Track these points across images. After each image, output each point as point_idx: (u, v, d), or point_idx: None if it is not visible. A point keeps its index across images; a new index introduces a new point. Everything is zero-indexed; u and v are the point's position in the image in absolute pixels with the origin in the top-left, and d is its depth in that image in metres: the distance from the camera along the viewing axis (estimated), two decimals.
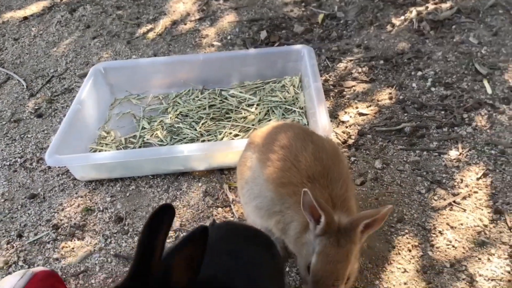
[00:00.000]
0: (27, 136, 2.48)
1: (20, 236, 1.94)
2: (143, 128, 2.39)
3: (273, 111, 2.41)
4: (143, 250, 0.90)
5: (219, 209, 1.98)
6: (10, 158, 2.34)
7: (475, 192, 1.93)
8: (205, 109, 2.45)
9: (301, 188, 1.31)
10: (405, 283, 1.63)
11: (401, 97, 2.44)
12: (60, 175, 2.21)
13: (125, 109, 2.56)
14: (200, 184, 2.09)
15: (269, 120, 2.33)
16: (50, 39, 3.27)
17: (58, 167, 2.25)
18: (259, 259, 1.33)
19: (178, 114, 2.45)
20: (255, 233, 1.50)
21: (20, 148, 2.40)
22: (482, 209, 1.86)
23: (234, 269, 1.22)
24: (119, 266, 1.78)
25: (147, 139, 2.31)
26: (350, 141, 2.24)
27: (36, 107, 2.67)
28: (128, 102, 2.62)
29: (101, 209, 2.02)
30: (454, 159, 2.09)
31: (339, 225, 1.30)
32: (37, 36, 3.33)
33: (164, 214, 0.93)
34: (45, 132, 2.49)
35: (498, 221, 1.81)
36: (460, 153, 2.11)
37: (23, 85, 2.85)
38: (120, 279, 1.69)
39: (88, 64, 2.98)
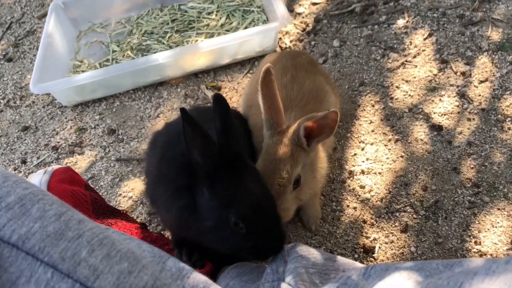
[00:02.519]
0: (3, 80, 2.56)
1: (24, 162, 2.09)
2: (114, 51, 2.51)
3: (233, 15, 2.55)
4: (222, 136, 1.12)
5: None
6: None
7: (423, 50, 2.17)
8: (168, 24, 2.57)
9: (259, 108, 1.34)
10: (372, 131, 1.89)
11: None
12: (46, 106, 2.35)
13: (91, 38, 2.65)
14: (179, 90, 2.27)
15: (231, 23, 2.48)
16: None
17: (42, 99, 2.38)
18: None
19: (143, 33, 2.57)
20: None
21: (0, 91, 2.49)
22: (431, 62, 2.11)
23: None
24: (122, 167, 1.98)
25: (120, 60, 2.44)
26: (308, 29, 2.42)
27: (4, 53, 2.73)
28: (93, 32, 2.70)
29: (93, 126, 2.18)
30: (402, 26, 2.31)
31: (288, 128, 1.29)
32: None
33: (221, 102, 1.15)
34: (20, 73, 2.58)
35: (445, 69, 2.07)
36: (407, 21, 2.33)
37: None
38: (130, 175, 1.90)
39: (43, 5, 3.01)
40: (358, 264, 1.18)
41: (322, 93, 1.57)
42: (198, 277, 1.01)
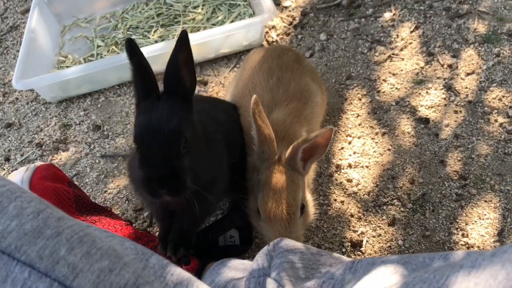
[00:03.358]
0: None
1: (7, 159, 2.06)
2: (98, 46, 2.47)
3: (219, 9, 2.52)
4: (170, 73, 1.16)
5: None
6: None
7: (410, 43, 2.17)
8: (153, 18, 2.54)
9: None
10: (359, 124, 1.88)
11: None
12: (30, 103, 2.31)
13: (76, 33, 2.61)
14: None
15: (217, 17, 2.46)
16: None
17: (26, 95, 2.34)
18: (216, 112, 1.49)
19: (128, 28, 2.53)
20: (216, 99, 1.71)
21: None
22: (418, 55, 2.11)
23: None
24: (108, 164, 1.95)
25: (104, 55, 2.40)
26: (295, 22, 2.41)
27: None
28: (77, 27, 2.66)
29: (77, 122, 2.15)
30: (389, 19, 2.30)
31: (280, 155, 1.29)
32: None
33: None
34: (3, 69, 2.54)
35: (432, 62, 2.07)
36: (394, 14, 2.32)
37: None
38: (112, 173, 1.88)
39: (26, 0, 2.96)
40: (345, 258, 1.17)
41: (307, 94, 1.57)
42: (182, 274, 1.00)
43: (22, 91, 2.36)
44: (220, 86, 2.17)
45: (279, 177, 1.23)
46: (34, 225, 0.82)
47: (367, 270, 0.97)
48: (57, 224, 0.85)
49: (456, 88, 1.94)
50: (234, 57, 2.30)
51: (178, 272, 1.00)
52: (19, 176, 1.45)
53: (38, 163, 1.55)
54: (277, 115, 1.45)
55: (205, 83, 2.20)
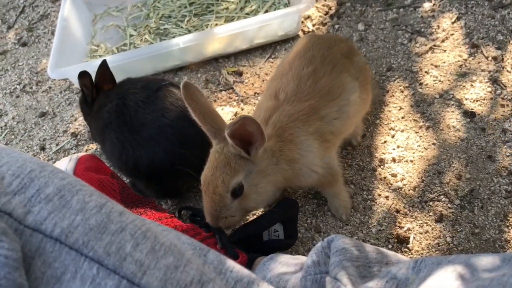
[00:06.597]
0: (18, 65, 2.51)
1: (43, 148, 2.05)
2: (131, 35, 2.45)
3: None
4: None
5: (223, 92, 2.11)
6: (9, 87, 2.40)
7: (452, 34, 2.10)
8: (186, 7, 2.51)
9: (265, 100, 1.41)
10: (402, 117, 1.83)
11: None
12: (63, 92, 2.30)
13: (107, 22, 2.59)
14: (199, 75, 2.21)
15: (251, 7, 2.41)
16: None
17: (59, 84, 2.33)
18: None
19: (161, 17, 2.50)
20: None
21: (16, 76, 2.45)
22: (460, 47, 2.04)
23: None
24: None
25: (137, 44, 2.38)
26: (331, 12, 2.35)
27: (18, 37, 2.68)
28: (109, 15, 2.64)
29: None
30: (429, 10, 2.23)
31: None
32: None
33: None
34: (35, 58, 2.53)
35: (476, 54, 2.00)
36: (434, 4, 2.25)
37: None
38: None
39: None
40: (401, 256, 1.13)
41: (338, 91, 1.44)
42: (241, 270, 0.97)
43: (54, 80, 2.36)
44: (255, 77, 2.13)
45: (216, 157, 1.21)
46: (98, 220, 0.80)
47: (432, 270, 0.93)
48: (119, 218, 0.82)
49: (502, 81, 1.87)
50: (269, 48, 2.26)
51: (237, 269, 0.97)
52: (63, 166, 1.44)
53: (80, 154, 1.54)
54: (286, 110, 1.36)
55: (240, 74, 2.17)
